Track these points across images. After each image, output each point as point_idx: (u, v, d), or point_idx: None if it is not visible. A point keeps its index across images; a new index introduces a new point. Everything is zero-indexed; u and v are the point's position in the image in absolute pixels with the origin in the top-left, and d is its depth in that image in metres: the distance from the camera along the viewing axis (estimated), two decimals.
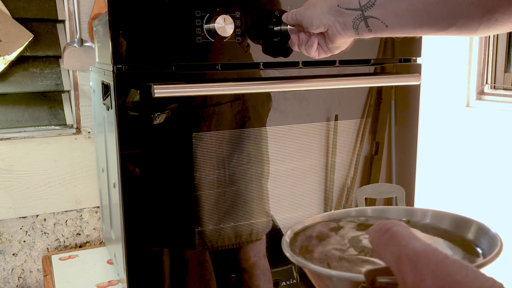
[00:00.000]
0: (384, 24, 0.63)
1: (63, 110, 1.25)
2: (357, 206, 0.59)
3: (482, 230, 0.48)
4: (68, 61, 1.18)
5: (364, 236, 0.50)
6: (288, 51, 0.86)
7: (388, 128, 1.00)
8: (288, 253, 0.45)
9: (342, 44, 0.74)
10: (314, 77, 0.90)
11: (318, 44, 0.75)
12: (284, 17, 0.79)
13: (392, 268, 0.32)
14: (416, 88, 1.00)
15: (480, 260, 0.42)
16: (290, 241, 0.49)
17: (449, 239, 0.48)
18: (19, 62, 1.18)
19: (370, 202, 0.75)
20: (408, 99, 1.00)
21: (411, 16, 0.61)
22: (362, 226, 0.53)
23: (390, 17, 0.62)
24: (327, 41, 0.73)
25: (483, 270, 0.36)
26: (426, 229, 0.51)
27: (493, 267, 0.40)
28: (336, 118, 0.99)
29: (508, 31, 0.61)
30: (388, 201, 0.94)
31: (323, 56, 0.78)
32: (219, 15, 0.77)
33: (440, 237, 0.49)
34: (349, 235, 0.50)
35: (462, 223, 0.50)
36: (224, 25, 0.77)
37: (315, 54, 0.77)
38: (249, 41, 0.82)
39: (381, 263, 0.35)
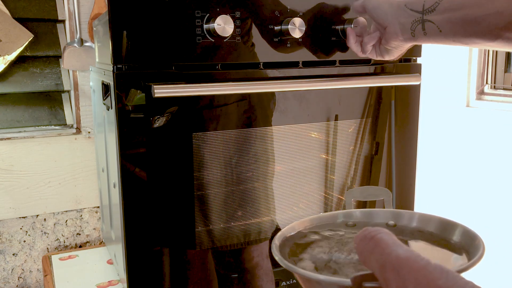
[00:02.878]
0: (439, 29, 0.68)
1: (63, 110, 1.25)
2: (345, 209, 0.60)
3: (467, 234, 0.49)
4: (68, 61, 1.18)
5: (351, 239, 0.50)
6: (288, 51, 0.85)
7: (388, 128, 1.00)
8: (277, 257, 0.45)
9: (395, 48, 0.78)
10: (314, 77, 0.90)
11: (369, 42, 0.80)
12: (354, 4, 0.82)
13: (377, 275, 0.33)
14: (416, 88, 1.00)
15: (464, 264, 0.43)
16: (279, 245, 0.49)
17: (435, 242, 0.49)
18: (19, 62, 1.18)
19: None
20: (408, 99, 1.00)
21: (463, 25, 0.66)
22: (350, 229, 0.54)
23: (445, 24, 0.67)
24: (383, 41, 0.77)
25: (468, 272, 0.39)
26: (412, 232, 0.52)
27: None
28: (336, 118, 0.99)
29: None
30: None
31: (373, 56, 0.81)
32: (219, 15, 0.77)
33: (426, 241, 0.50)
34: (336, 238, 0.51)
35: (447, 226, 0.51)
36: (224, 25, 0.77)
37: (369, 48, 0.80)
38: (249, 41, 0.82)
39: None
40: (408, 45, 0.77)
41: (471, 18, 0.64)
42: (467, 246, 0.47)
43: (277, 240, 0.49)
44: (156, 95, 0.74)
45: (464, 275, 0.32)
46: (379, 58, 0.82)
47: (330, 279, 0.40)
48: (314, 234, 0.53)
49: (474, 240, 0.47)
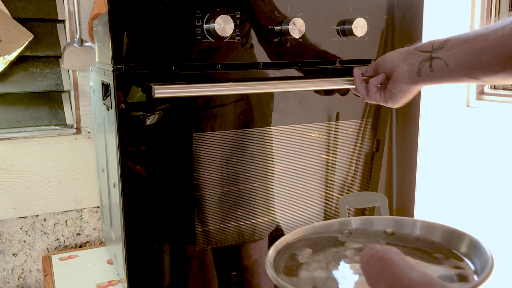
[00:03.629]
0: (446, 64, 0.69)
1: (63, 110, 1.25)
2: (339, 217, 0.57)
3: (475, 246, 0.46)
4: (68, 61, 1.18)
5: (349, 252, 0.48)
6: (288, 51, 0.85)
7: (389, 128, 1.00)
8: (273, 277, 0.42)
9: (400, 92, 0.76)
10: (313, 77, 0.90)
11: (379, 86, 0.79)
12: (367, 69, 0.82)
13: None
14: None
15: (473, 282, 0.41)
16: (274, 261, 0.46)
17: (437, 254, 0.47)
18: (19, 62, 1.18)
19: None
20: None
21: (469, 57, 0.66)
22: (345, 240, 0.51)
23: (452, 57, 0.69)
24: (389, 85, 0.77)
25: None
26: (413, 241, 0.50)
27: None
28: (337, 118, 0.99)
29: None
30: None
31: (377, 99, 0.80)
32: (219, 15, 0.77)
33: (427, 250, 0.48)
34: (333, 250, 0.49)
35: (454, 236, 0.48)
36: (224, 25, 0.77)
37: (374, 89, 0.80)
38: (249, 41, 0.82)
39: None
40: (413, 89, 0.76)
41: (477, 50, 0.64)
42: (476, 258, 0.45)
43: (270, 257, 0.46)
44: (156, 95, 0.74)
45: None
46: (382, 103, 0.81)
47: None
48: (310, 245, 0.50)
49: (483, 253, 0.44)
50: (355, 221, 0.53)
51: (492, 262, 0.41)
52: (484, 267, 0.41)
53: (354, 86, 0.83)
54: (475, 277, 0.41)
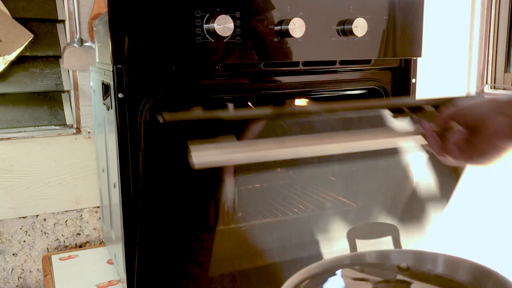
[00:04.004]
0: None
1: (63, 110, 1.25)
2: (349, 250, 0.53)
3: (503, 285, 0.42)
4: (68, 61, 1.18)
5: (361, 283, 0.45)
6: (288, 51, 0.85)
7: None
8: None
9: (493, 149, 0.61)
10: (374, 133, 0.69)
11: (456, 141, 0.64)
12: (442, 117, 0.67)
13: None
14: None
15: None
16: None
17: None
18: (19, 62, 1.18)
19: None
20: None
21: None
22: (358, 274, 0.47)
23: None
24: (477, 139, 0.61)
25: None
26: (433, 279, 0.46)
27: None
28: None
29: None
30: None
31: (456, 156, 0.65)
32: (219, 15, 0.77)
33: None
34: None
35: (480, 274, 0.45)
36: (224, 25, 0.77)
37: (452, 147, 0.64)
38: (249, 41, 0.82)
39: None
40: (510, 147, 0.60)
41: None
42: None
43: None
44: (196, 167, 0.57)
45: None
46: (467, 162, 0.65)
47: None
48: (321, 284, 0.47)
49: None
50: (370, 255, 0.50)
51: None
52: None
53: (426, 143, 0.67)
54: None
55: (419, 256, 0.48)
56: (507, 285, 0.42)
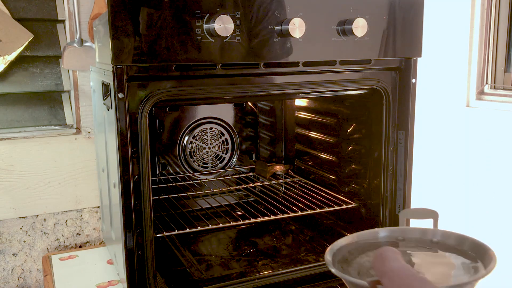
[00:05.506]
0: None
1: (63, 110, 1.25)
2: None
3: (477, 245, 0.59)
4: (68, 61, 1.18)
5: None
6: (288, 51, 0.85)
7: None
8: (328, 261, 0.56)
9: None
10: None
11: None
12: None
13: (380, 281, 0.45)
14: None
15: (482, 273, 0.53)
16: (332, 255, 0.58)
17: (458, 254, 0.60)
18: (19, 62, 1.18)
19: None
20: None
21: None
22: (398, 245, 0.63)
23: None
24: None
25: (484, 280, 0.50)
26: (432, 246, 0.62)
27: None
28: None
29: None
30: None
31: None
32: (219, 15, 0.77)
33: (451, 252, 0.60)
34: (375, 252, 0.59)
35: (463, 240, 0.60)
36: (224, 25, 0.77)
37: None
38: (249, 41, 0.82)
39: None
40: None
41: None
42: (482, 257, 0.57)
43: (327, 253, 0.58)
44: None
45: None
46: None
47: (353, 280, 0.51)
48: (363, 247, 0.61)
49: (488, 253, 0.56)
50: (414, 231, 0.65)
51: (495, 259, 0.54)
52: (491, 263, 0.54)
53: None
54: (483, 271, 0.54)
55: (424, 232, 0.64)
56: (482, 246, 0.58)
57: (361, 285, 0.49)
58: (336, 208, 1.09)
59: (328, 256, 0.57)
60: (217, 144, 1.32)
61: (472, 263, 0.56)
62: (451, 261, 0.58)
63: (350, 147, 1.12)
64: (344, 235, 0.63)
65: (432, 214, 0.69)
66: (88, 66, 1.18)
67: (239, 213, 1.12)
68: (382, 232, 0.65)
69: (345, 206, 1.10)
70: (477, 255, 0.58)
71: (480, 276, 0.51)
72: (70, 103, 1.25)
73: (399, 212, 0.78)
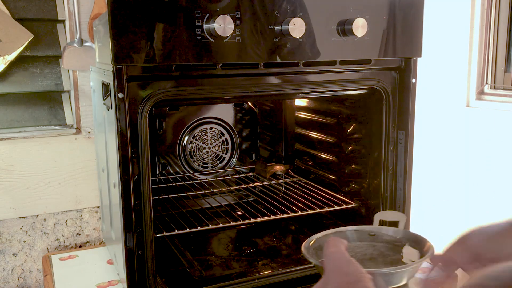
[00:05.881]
0: None
1: (63, 110, 1.25)
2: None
3: (414, 238, 0.77)
4: (68, 61, 1.18)
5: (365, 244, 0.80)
6: (288, 51, 0.85)
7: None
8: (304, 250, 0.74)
9: None
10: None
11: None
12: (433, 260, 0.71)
13: (323, 261, 0.58)
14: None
15: (418, 260, 0.70)
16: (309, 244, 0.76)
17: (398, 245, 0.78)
18: (19, 62, 1.18)
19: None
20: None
21: None
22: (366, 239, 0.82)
23: None
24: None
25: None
26: (373, 239, 0.81)
27: None
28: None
29: None
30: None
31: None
32: (219, 15, 0.77)
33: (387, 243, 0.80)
34: (354, 244, 0.80)
35: (410, 236, 0.79)
36: (224, 25, 0.77)
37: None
38: (249, 41, 0.82)
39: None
40: None
41: None
42: (421, 248, 0.74)
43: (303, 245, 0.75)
44: None
45: None
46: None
47: (311, 260, 0.69)
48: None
49: (426, 245, 0.73)
50: (386, 230, 0.82)
51: (433, 249, 0.70)
52: (428, 252, 0.70)
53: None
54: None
55: (378, 229, 0.83)
56: (418, 238, 0.76)
57: (315, 263, 0.68)
58: (336, 208, 1.09)
59: (305, 243, 0.74)
60: (217, 144, 1.32)
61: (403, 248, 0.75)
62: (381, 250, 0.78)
63: (350, 147, 1.12)
64: None
65: (401, 217, 0.84)
66: (88, 66, 1.18)
67: (239, 213, 1.12)
68: (354, 228, 0.82)
69: (345, 206, 1.10)
70: (415, 244, 0.74)
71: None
72: (70, 103, 1.25)
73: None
